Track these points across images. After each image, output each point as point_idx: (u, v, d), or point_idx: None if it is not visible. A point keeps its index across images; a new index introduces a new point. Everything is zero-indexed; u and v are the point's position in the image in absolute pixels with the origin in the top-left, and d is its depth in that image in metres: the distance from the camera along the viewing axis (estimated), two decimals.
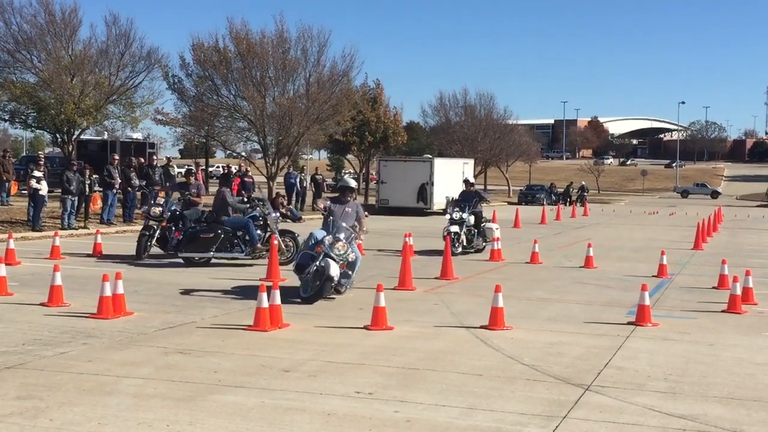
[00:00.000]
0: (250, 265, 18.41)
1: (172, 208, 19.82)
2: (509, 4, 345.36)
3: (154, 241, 19.54)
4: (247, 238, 18.34)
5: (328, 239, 13.94)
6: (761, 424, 7.63)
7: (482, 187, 64.13)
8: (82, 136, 40.98)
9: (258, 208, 19.12)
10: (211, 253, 18.28)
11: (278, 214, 19.52)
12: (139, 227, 28.11)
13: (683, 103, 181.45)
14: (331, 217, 14.56)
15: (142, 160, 33.37)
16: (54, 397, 7.94)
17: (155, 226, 19.55)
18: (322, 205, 14.95)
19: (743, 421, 7.72)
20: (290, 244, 19.16)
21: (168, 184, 20.34)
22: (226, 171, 31.50)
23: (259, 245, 18.41)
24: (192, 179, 21.79)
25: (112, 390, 8.24)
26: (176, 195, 20.73)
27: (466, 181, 25.31)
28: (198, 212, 20.08)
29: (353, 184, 15.71)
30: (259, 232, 18.59)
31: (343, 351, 10.27)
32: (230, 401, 7.95)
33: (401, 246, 19.01)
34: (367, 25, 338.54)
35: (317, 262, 13.71)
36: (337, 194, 15.50)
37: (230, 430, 7.08)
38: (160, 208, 19.72)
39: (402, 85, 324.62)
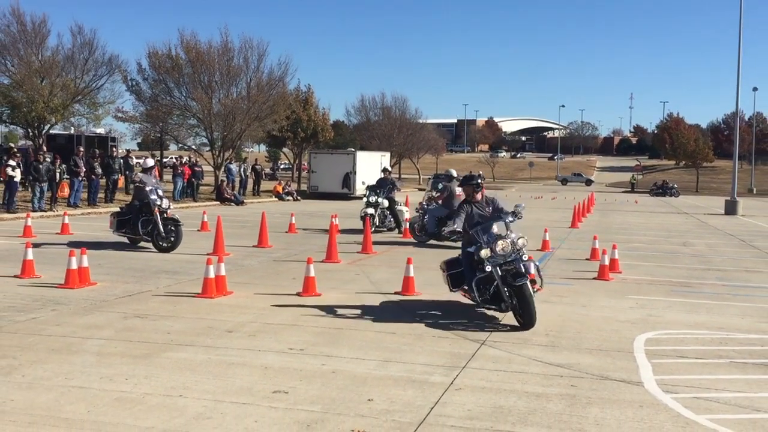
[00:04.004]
0: None
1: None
2: (417, 19, 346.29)
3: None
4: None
5: None
6: (622, 370, 7.84)
7: (397, 176, 64.46)
8: (51, 131, 39.90)
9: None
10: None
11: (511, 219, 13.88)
12: (103, 210, 27.54)
13: (563, 106, 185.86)
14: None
15: (98, 151, 32.16)
16: (26, 356, 7.73)
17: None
18: None
19: (609, 368, 7.92)
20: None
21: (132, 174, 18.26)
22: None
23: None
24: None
25: (77, 350, 8.06)
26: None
27: (384, 170, 25.34)
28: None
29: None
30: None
31: (278, 314, 10.21)
32: (181, 357, 7.84)
33: (328, 225, 18.95)
34: (301, 37, 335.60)
35: None
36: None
37: (181, 382, 6.99)
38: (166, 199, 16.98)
39: (329, 89, 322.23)
